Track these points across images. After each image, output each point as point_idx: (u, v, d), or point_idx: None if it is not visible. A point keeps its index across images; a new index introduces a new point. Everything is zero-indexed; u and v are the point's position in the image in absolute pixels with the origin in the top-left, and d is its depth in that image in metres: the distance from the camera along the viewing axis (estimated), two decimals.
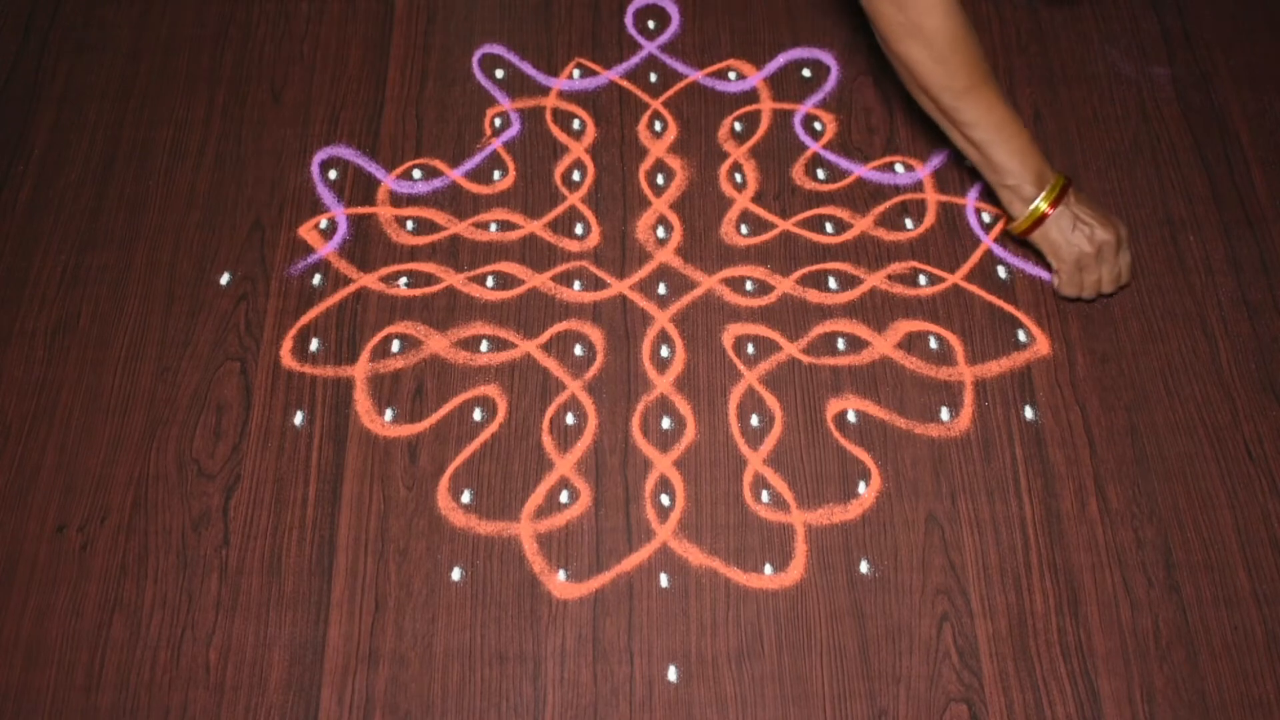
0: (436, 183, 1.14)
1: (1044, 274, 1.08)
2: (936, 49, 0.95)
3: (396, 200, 1.13)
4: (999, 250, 1.10)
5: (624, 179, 1.14)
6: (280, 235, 1.11)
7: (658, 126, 1.17)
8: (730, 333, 1.05)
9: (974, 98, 0.97)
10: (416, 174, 1.15)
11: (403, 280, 1.09)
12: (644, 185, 1.14)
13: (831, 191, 1.13)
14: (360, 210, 1.13)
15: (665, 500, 0.97)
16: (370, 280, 1.09)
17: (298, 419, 1.01)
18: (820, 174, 1.14)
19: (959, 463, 0.99)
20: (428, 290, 1.08)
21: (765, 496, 0.97)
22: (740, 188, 1.14)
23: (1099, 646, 0.91)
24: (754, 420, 1.01)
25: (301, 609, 0.93)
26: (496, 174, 1.15)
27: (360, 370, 1.04)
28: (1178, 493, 0.97)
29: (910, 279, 1.08)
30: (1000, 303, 1.07)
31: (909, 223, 1.11)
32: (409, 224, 1.12)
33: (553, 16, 1.25)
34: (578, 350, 1.05)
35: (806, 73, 1.21)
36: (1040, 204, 1.00)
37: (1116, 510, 0.97)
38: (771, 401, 1.02)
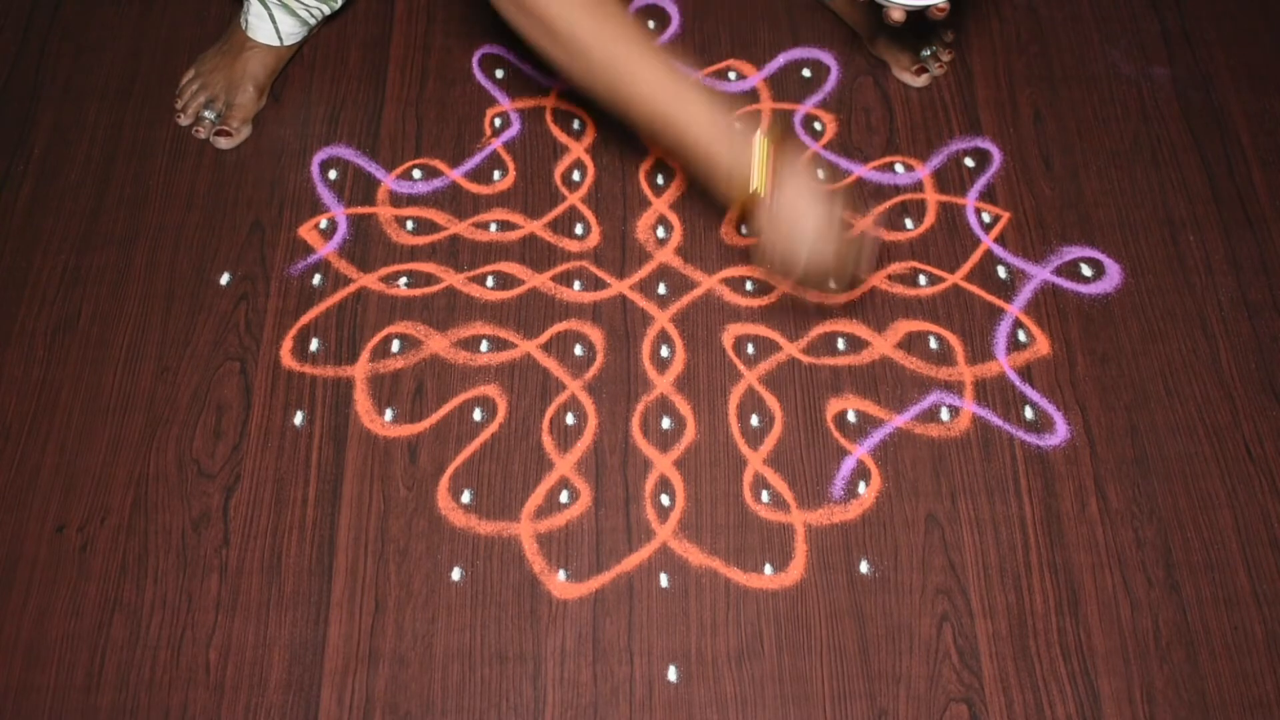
0: (436, 183, 1.14)
1: (1046, 275, 1.08)
2: (558, 33, 0.82)
3: (396, 200, 1.13)
4: (999, 250, 1.10)
5: (624, 179, 1.14)
6: (280, 235, 1.11)
7: None
8: (730, 333, 1.05)
9: (619, 76, 0.83)
10: (416, 174, 1.15)
11: (403, 280, 1.09)
12: (644, 185, 1.14)
13: (831, 191, 1.13)
14: (360, 210, 1.13)
15: (665, 500, 0.97)
16: (370, 280, 1.09)
17: (298, 419, 1.01)
18: (820, 174, 1.14)
19: (959, 463, 0.99)
20: (428, 290, 1.08)
21: (765, 496, 0.97)
22: None
23: (1099, 646, 0.91)
24: (754, 420, 1.01)
25: (301, 609, 0.93)
26: (496, 174, 1.15)
27: (360, 370, 1.04)
28: (1178, 493, 0.97)
29: (910, 279, 1.08)
30: (1000, 303, 1.07)
31: (909, 223, 1.11)
32: (409, 224, 1.12)
33: None
34: (578, 350, 1.05)
35: (806, 73, 1.21)
36: (750, 185, 0.86)
37: (1116, 510, 0.97)
38: (771, 401, 1.02)
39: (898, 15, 0.88)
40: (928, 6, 0.87)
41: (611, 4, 0.82)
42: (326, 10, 1.19)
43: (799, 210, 0.87)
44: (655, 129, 0.86)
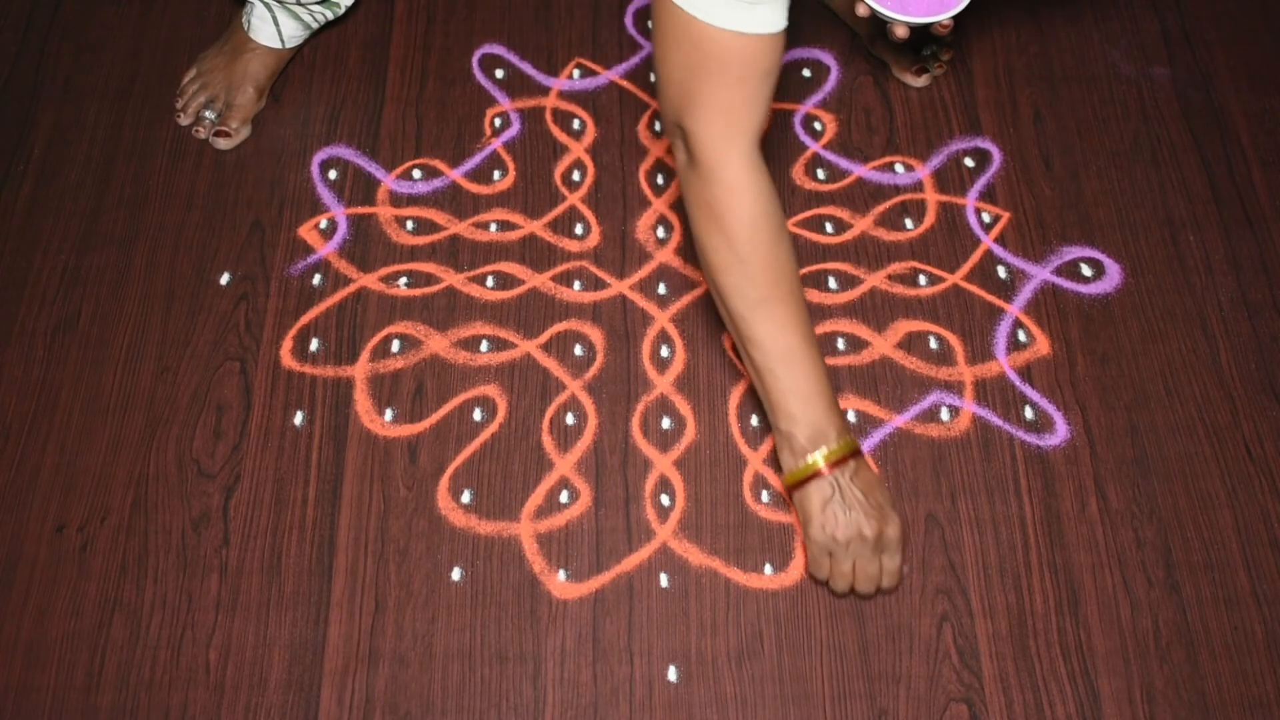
0: (436, 183, 1.14)
1: (1046, 275, 1.08)
2: (737, 243, 0.82)
3: (396, 200, 1.13)
4: (999, 250, 1.10)
5: (624, 179, 1.14)
6: (280, 235, 1.11)
7: (658, 126, 1.17)
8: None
9: (766, 312, 0.84)
10: (416, 174, 1.15)
11: (403, 280, 1.09)
12: (644, 185, 1.14)
13: (831, 191, 1.13)
14: (360, 210, 1.13)
15: (665, 500, 0.97)
16: (370, 280, 1.09)
17: (298, 419, 1.01)
18: (820, 174, 1.14)
19: (959, 463, 0.99)
20: (428, 290, 1.08)
21: (765, 496, 0.97)
22: None
23: (1099, 646, 0.91)
24: (754, 420, 1.01)
25: (301, 609, 0.93)
26: (496, 174, 1.15)
27: (360, 370, 1.04)
28: (1178, 493, 0.97)
29: (910, 279, 1.08)
30: (1000, 303, 1.07)
31: (909, 223, 1.11)
32: (409, 224, 1.12)
33: (553, 16, 1.25)
34: (578, 350, 1.05)
35: (806, 73, 1.21)
36: (814, 459, 0.85)
37: (1116, 510, 0.97)
38: None
39: (902, 32, 0.88)
40: (932, 23, 0.87)
41: (788, 244, 0.85)
42: (330, 15, 1.19)
43: (829, 522, 0.87)
44: (756, 367, 0.87)
